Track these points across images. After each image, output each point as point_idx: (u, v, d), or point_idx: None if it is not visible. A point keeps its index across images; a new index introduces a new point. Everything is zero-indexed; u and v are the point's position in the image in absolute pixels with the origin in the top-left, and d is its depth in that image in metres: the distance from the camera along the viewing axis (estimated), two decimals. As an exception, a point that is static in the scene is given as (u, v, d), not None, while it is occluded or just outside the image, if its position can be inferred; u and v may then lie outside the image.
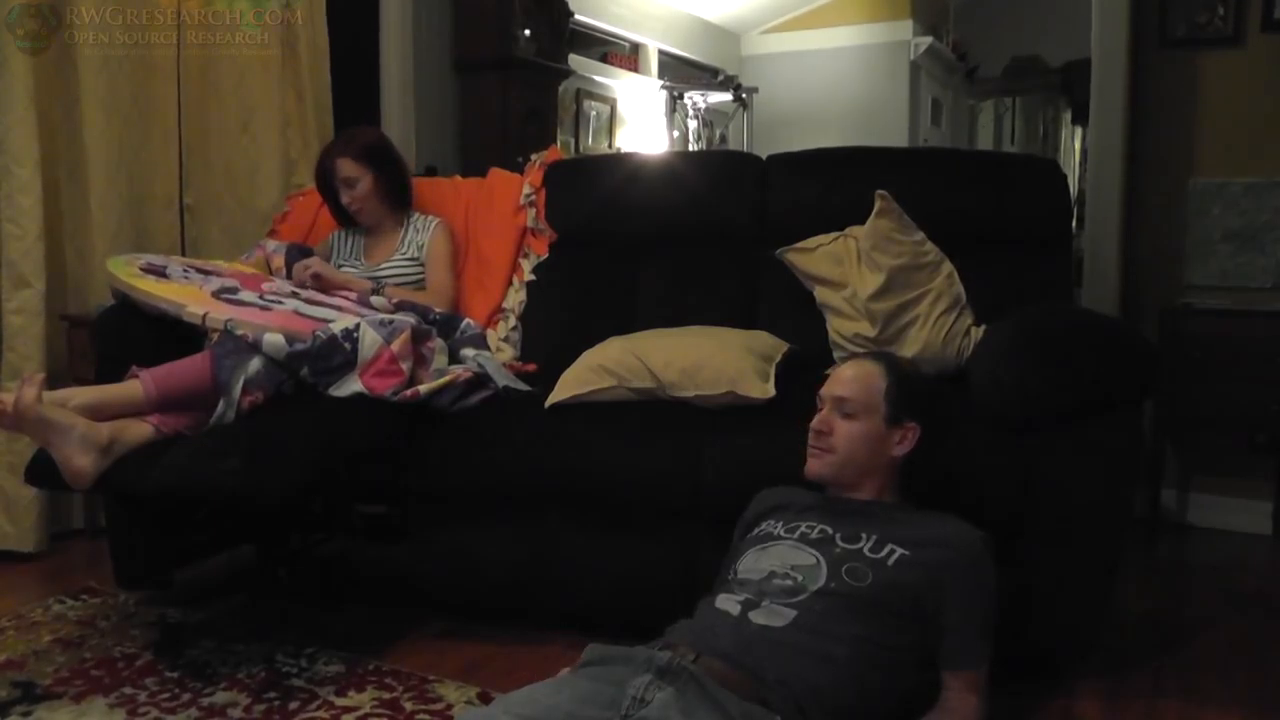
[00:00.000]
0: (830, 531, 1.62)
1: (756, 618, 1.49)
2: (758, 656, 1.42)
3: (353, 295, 2.45)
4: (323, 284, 2.50)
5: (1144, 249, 3.10)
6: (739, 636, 1.46)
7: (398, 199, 2.72)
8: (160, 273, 2.31)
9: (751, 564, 1.62)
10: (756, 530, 1.73)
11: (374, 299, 2.41)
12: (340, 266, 2.69)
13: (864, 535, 1.60)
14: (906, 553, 1.56)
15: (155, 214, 2.99)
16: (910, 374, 1.77)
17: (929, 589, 1.54)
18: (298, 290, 2.44)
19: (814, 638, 1.46)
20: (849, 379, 1.71)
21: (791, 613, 1.49)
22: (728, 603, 1.54)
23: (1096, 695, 1.90)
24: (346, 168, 2.63)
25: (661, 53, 6.26)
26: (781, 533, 1.66)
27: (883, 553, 1.57)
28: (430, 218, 2.74)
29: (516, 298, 2.71)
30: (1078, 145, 6.83)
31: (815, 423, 1.70)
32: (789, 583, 1.53)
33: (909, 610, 1.53)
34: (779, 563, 1.58)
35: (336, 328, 2.06)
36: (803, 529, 1.65)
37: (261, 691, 1.89)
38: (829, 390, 1.71)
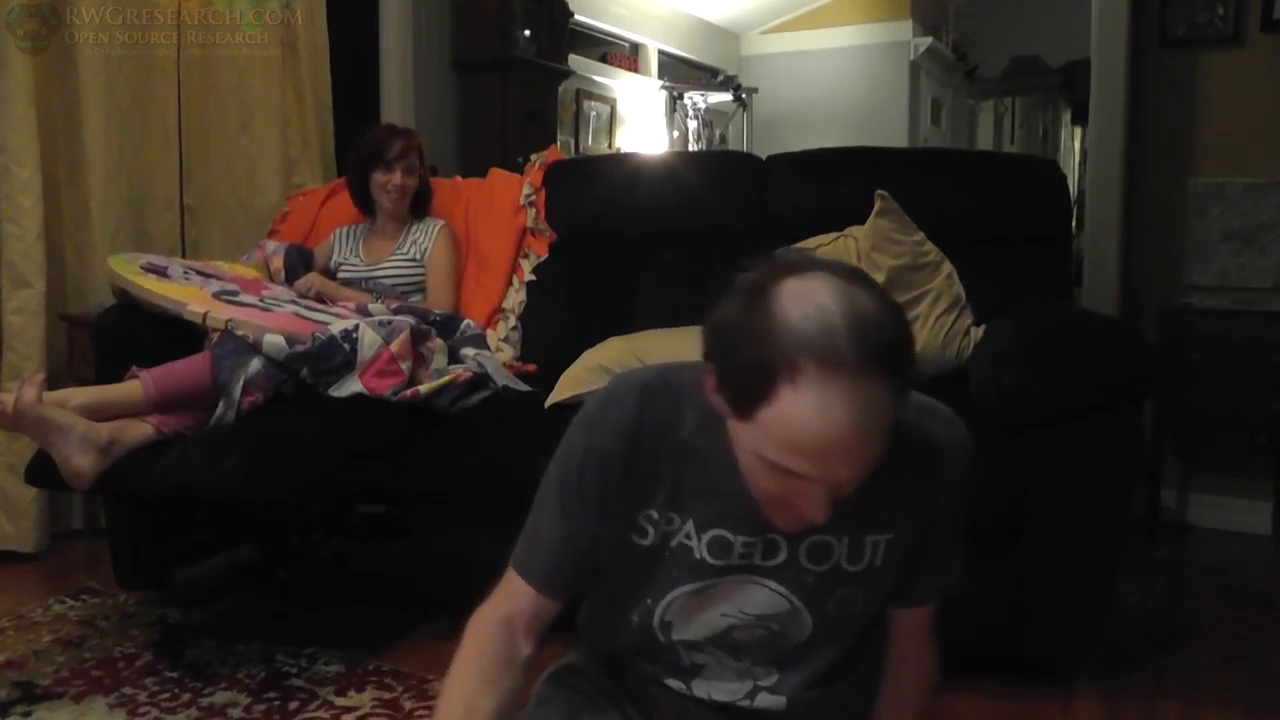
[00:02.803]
0: (785, 545, 1.05)
1: (761, 703, 1.12)
2: None
3: (352, 305, 2.45)
4: (325, 299, 2.51)
5: (1144, 249, 3.09)
6: None
7: (415, 205, 2.74)
8: (161, 273, 2.31)
9: (689, 617, 1.09)
10: (656, 535, 1.07)
11: (372, 306, 2.41)
12: (340, 265, 2.70)
13: (834, 541, 1.05)
14: (890, 536, 1.07)
15: (155, 214, 2.99)
16: (907, 350, 0.91)
17: (915, 552, 1.10)
18: (296, 299, 2.44)
19: (824, 690, 1.14)
20: (861, 455, 0.89)
21: (793, 679, 1.11)
22: (714, 692, 1.11)
23: (1096, 695, 1.90)
24: (415, 154, 2.67)
25: (661, 53, 6.26)
26: (707, 555, 1.05)
27: (865, 557, 1.07)
28: (434, 220, 2.74)
29: (516, 298, 2.72)
30: (1078, 145, 6.83)
31: (811, 517, 0.94)
32: (763, 632, 1.09)
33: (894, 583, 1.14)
34: (732, 609, 1.08)
35: (335, 328, 2.06)
36: (740, 549, 1.05)
37: (261, 691, 1.89)
38: (825, 474, 0.89)
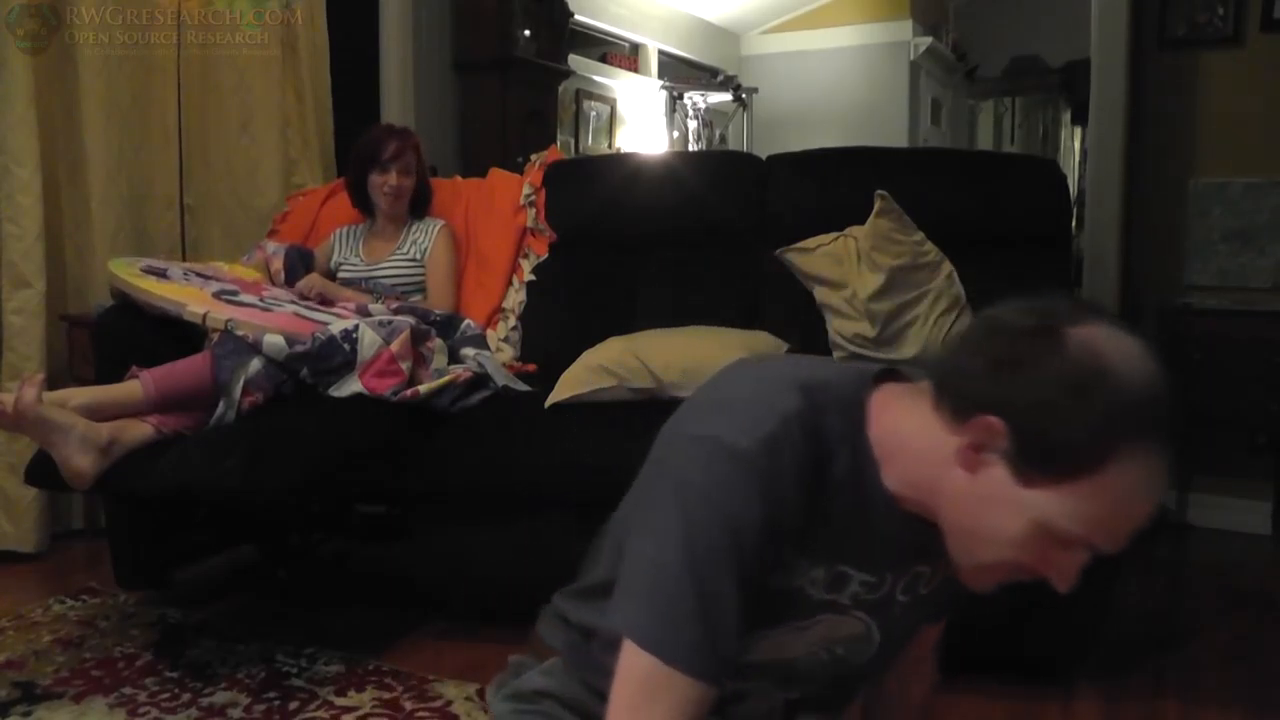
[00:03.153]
0: (891, 580, 0.98)
1: None
2: None
3: (352, 305, 2.45)
4: (326, 300, 2.51)
5: (1144, 249, 3.09)
6: None
7: (414, 205, 2.74)
8: (161, 274, 2.31)
9: (770, 649, 0.97)
10: (783, 577, 0.91)
11: (372, 306, 2.41)
12: (340, 265, 2.70)
13: (927, 571, 1.00)
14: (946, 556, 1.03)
15: (155, 214, 2.99)
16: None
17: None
18: (296, 300, 2.44)
19: (857, 705, 1.11)
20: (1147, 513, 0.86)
21: (835, 698, 1.07)
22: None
23: (1096, 695, 1.90)
24: (411, 154, 2.66)
25: (661, 53, 6.26)
26: (823, 593, 0.94)
27: (935, 582, 1.03)
28: (434, 220, 2.74)
29: (516, 298, 2.72)
30: (1078, 145, 6.83)
31: (1062, 585, 0.91)
32: (826, 657, 1.00)
33: None
34: (817, 639, 0.99)
35: (336, 328, 2.06)
36: (854, 588, 0.95)
37: (261, 691, 1.89)
38: (1115, 544, 0.90)
